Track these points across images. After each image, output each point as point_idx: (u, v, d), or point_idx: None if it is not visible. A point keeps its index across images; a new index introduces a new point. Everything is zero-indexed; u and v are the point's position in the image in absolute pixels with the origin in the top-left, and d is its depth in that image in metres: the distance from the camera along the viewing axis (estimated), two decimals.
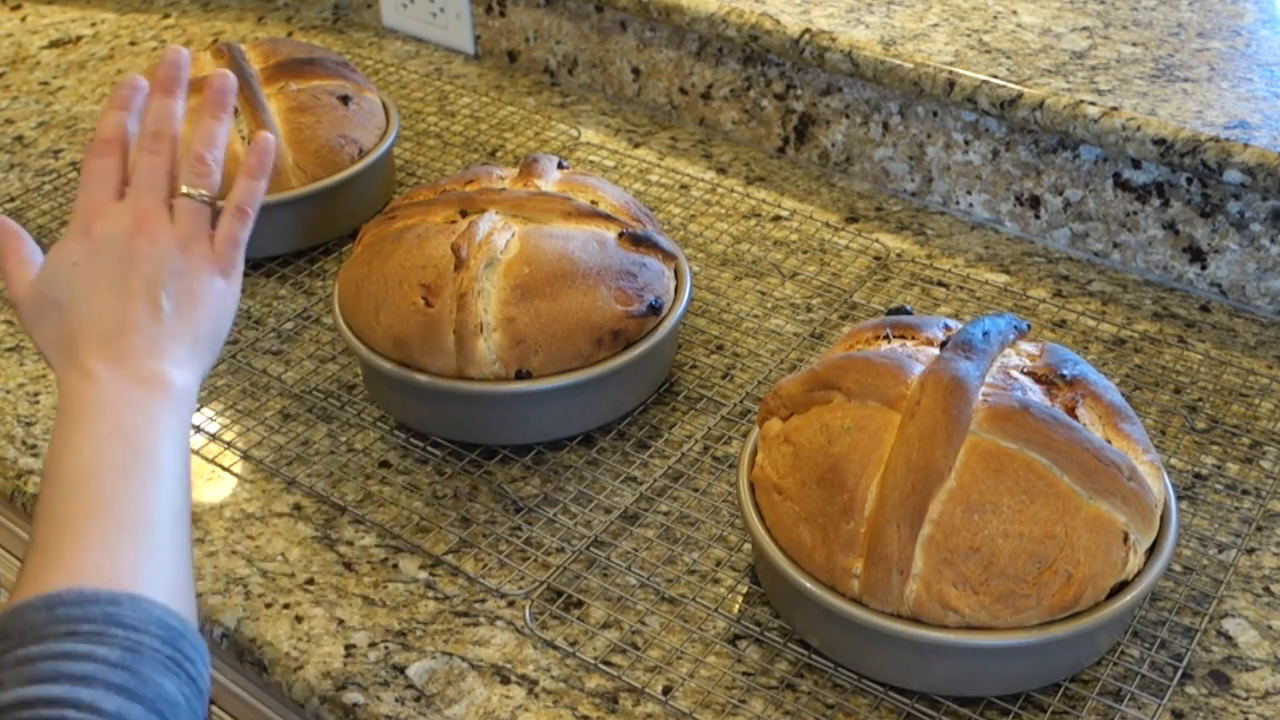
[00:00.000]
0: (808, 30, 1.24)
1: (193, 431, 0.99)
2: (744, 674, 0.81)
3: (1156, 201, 1.12)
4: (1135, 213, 1.14)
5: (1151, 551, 0.78)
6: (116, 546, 0.63)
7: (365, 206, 1.20)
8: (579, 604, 0.85)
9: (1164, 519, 0.79)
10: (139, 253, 0.72)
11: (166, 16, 1.66)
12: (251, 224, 0.77)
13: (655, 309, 0.96)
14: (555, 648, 0.83)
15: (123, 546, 0.63)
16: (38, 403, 1.03)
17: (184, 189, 0.75)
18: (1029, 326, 0.87)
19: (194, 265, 0.74)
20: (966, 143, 1.21)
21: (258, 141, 0.78)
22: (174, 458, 0.68)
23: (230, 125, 0.78)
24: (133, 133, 0.76)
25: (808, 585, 0.77)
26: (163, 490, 0.67)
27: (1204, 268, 1.12)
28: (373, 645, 0.83)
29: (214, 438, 0.99)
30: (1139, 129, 1.07)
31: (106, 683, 0.57)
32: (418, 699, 0.80)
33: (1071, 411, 0.79)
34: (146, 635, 0.60)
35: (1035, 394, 0.80)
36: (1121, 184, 1.13)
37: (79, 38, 1.61)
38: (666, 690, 0.80)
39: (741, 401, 1.01)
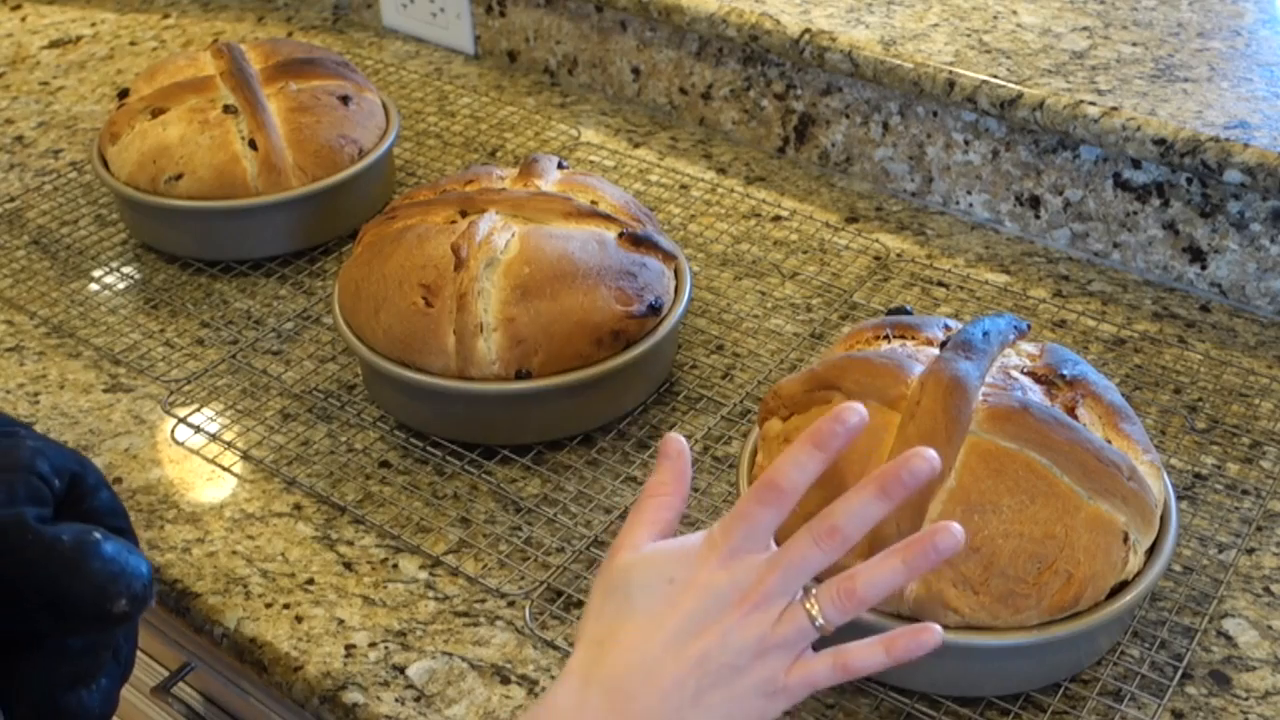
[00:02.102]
0: (808, 30, 1.24)
1: (192, 432, 0.99)
2: None
3: (1156, 201, 1.12)
4: (1135, 213, 1.14)
5: (1151, 551, 0.78)
6: None
7: (365, 206, 1.20)
8: (579, 604, 0.85)
9: (1164, 519, 0.79)
10: (722, 624, 0.63)
11: (166, 16, 1.66)
12: (840, 680, 0.65)
13: (655, 309, 0.96)
14: (555, 648, 0.83)
15: None
16: (38, 403, 1.03)
17: (813, 607, 0.64)
18: (1029, 326, 0.87)
19: (755, 676, 0.64)
20: (966, 143, 1.21)
21: (920, 631, 0.64)
22: None
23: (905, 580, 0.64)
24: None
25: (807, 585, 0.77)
26: None
27: (1204, 268, 1.12)
28: (373, 645, 0.83)
29: (214, 438, 0.99)
30: (1139, 129, 1.07)
31: None
32: (418, 699, 0.80)
33: (1071, 411, 0.79)
34: None
35: (1035, 394, 0.80)
36: (1121, 184, 1.13)
37: (79, 38, 1.61)
38: None
39: (741, 401, 1.01)
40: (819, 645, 0.65)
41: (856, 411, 0.63)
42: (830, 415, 0.63)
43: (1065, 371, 0.82)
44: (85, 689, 0.62)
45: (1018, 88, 1.13)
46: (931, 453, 0.62)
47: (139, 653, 1.06)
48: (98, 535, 0.59)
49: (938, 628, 0.64)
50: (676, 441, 0.70)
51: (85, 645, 0.61)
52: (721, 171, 1.32)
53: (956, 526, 0.62)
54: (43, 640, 0.60)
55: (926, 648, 0.64)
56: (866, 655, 0.64)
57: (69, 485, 0.62)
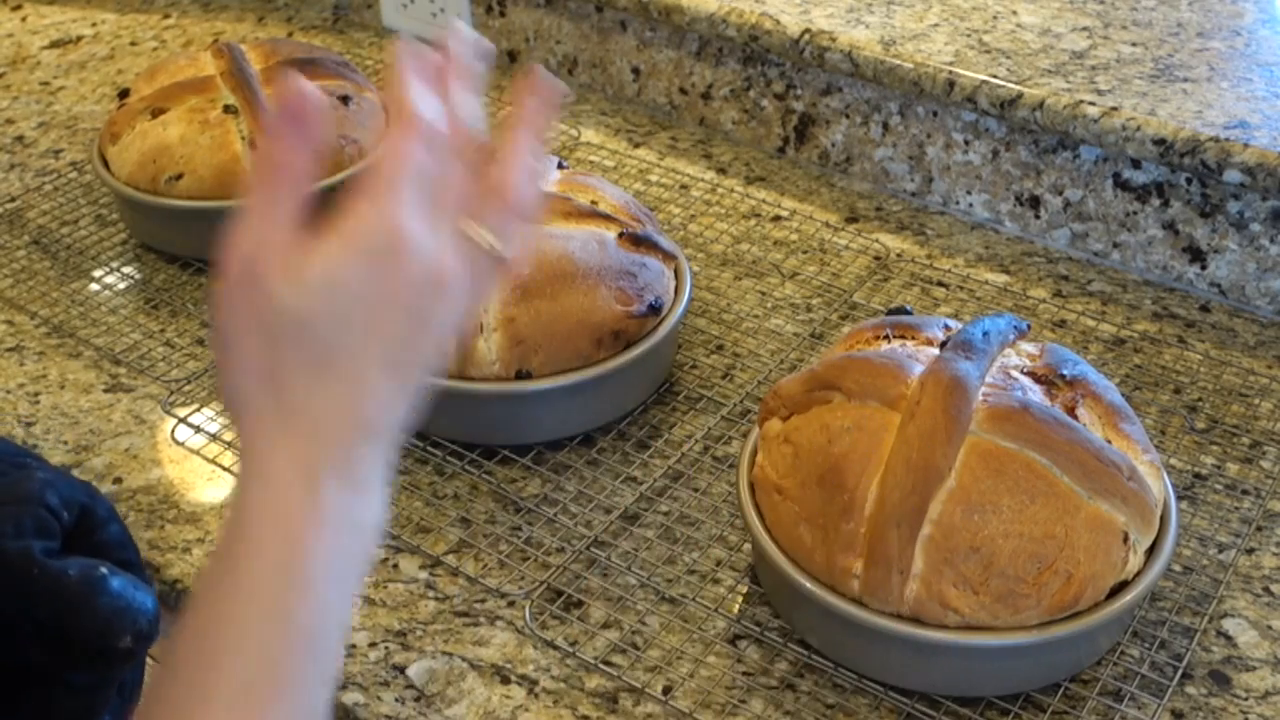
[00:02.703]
0: (808, 30, 1.24)
1: (193, 432, 0.99)
2: (744, 674, 0.81)
3: (1156, 201, 1.12)
4: (1135, 213, 1.14)
5: (1151, 551, 0.78)
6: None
7: None
8: (579, 604, 0.85)
9: (1164, 519, 0.79)
10: (429, 317, 0.55)
11: (167, 16, 1.66)
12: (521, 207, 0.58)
13: (655, 309, 0.96)
14: (555, 648, 0.83)
15: None
16: (38, 403, 1.03)
17: (477, 233, 0.56)
18: (1029, 326, 0.87)
19: (448, 319, 0.55)
20: (966, 143, 1.21)
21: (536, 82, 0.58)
22: (342, 592, 0.54)
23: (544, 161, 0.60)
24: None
25: (808, 585, 0.77)
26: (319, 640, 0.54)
27: (1204, 268, 1.12)
28: (373, 645, 0.83)
29: (214, 438, 0.99)
30: (1139, 129, 1.07)
31: None
32: (418, 699, 0.80)
33: (1071, 411, 0.79)
34: None
35: (1035, 394, 0.80)
36: (1121, 184, 1.13)
37: (79, 38, 1.61)
38: (666, 690, 0.80)
39: (741, 401, 1.01)
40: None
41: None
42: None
43: (1065, 371, 0.82)
44: None
45: (1018, 88, 1.13)
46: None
47: None
48: (104, 571, 0.59)
49: (558, 86, 0.58)
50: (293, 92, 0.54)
51: (89, 682, 0.61)
52: (721, 171, 1.32)
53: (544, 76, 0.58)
54: (46, 676, 0.59)
55: (552, 92, 0.58)
56: (515, 166, 0.57)
57: (78, 518, 0.62)
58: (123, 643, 0.59)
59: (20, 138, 1.39)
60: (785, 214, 1.24)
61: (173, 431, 1.00)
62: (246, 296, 0.54)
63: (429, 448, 0.97)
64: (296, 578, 0.51)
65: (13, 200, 1.28)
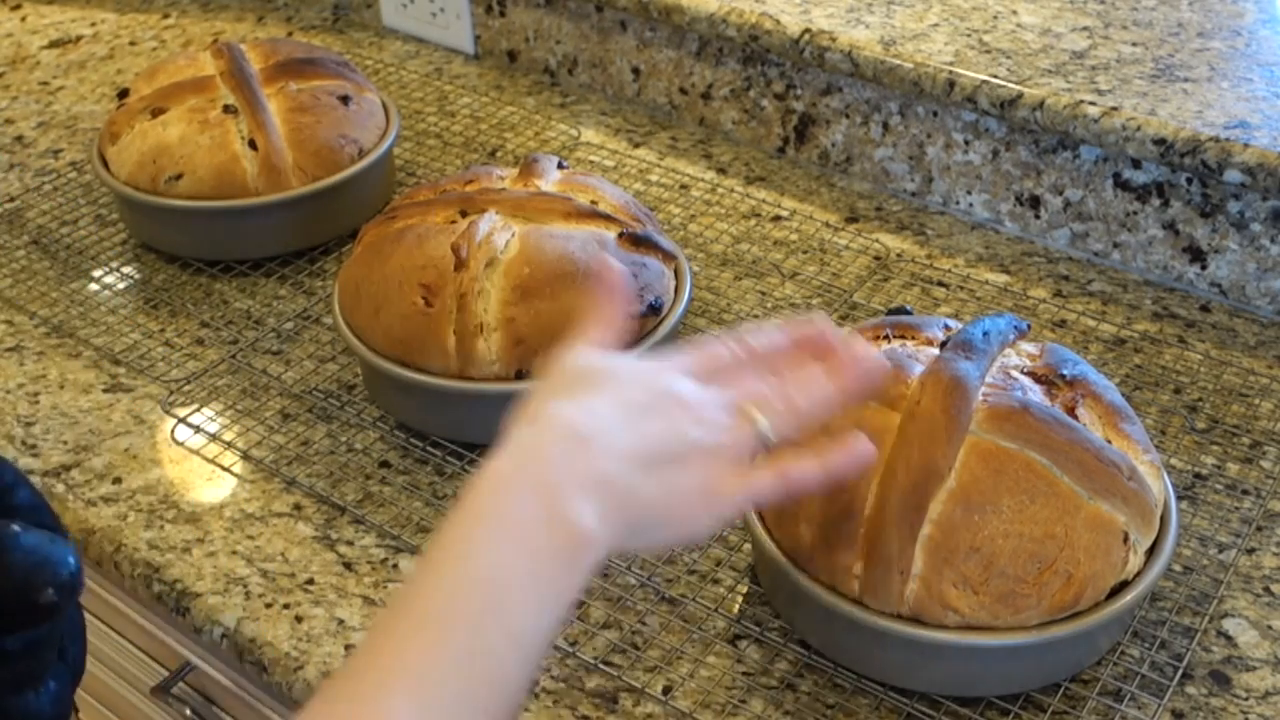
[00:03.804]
0: (808, 30, 1.24)
1: (192, 432, 0.99)
2: (744, 674, 0.81)
3: (1156, 201, 1.12)
4: (1135, 213, 1.14)
5: (1151, 551, 0.78)
6: None
7: (365, 206, 1.20)
8: (579, 604, 0.85)
9: (1164, 519, 0.79)
10: (673, 416, 0.63)
11: (166, 16, 1.66)
12: (780, 496, 0.66)
13: (655, 309, 0.96)
14: (555, 647, 0.83)
15: None
16: (37, 403, 1.03)
17: (755, 413, 0.65)
18: (1029, 326, 0.87)
19: (702, 473, 0.63)
20: (966, 143, 1.21)
21: (856, 446, 0.67)
22: (539, 624, 0.59)
23: (841, 403, 0.68)
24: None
25: (808, 585, 0.77)
26: (509, 659, 0.58)
27: (1204, 268, 1.12)
28: None
29: (214, 438, 0.99)
30: (1139, 129, 1.07)
31: None
32: None
33: (1071, 411, 0.79)
34: None
35: (1035, 394, 0.80)
36: (1121, 184, 1.13)
37: (79, 38, 1.61)
38: (666, 690, 0.80)
39: None
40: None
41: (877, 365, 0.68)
42: (818, 317, 0.69)
43: (1065, 371, 0.82)
44: (33, 691, 0.60)
45: (1018, 88, 1.13)
46: (864, 346, 0.69)
47: (139, 653, 1.06)
48: (16, 528, 0.58)
49: (869, 443, 0.67)
50: (613, 268, 0.70)
51: (24, 645, 0.60)
52: (721, 171, 1.32)
53: (866, 348, 0.68)
54: None
55: (859, 456, 0.66)
56: (804, 468, 0.65)
57: None
58: (44, 597, 0.57)
59: (20, 138, 1.39)
60: (785, 214, 1.24)
61: (172, 431, 1.00)
62: (545, 376, 0.66)
63: (429, 448, 0.97)
64: (473, 571, 0.58)
65: (12, 200, 1.28)
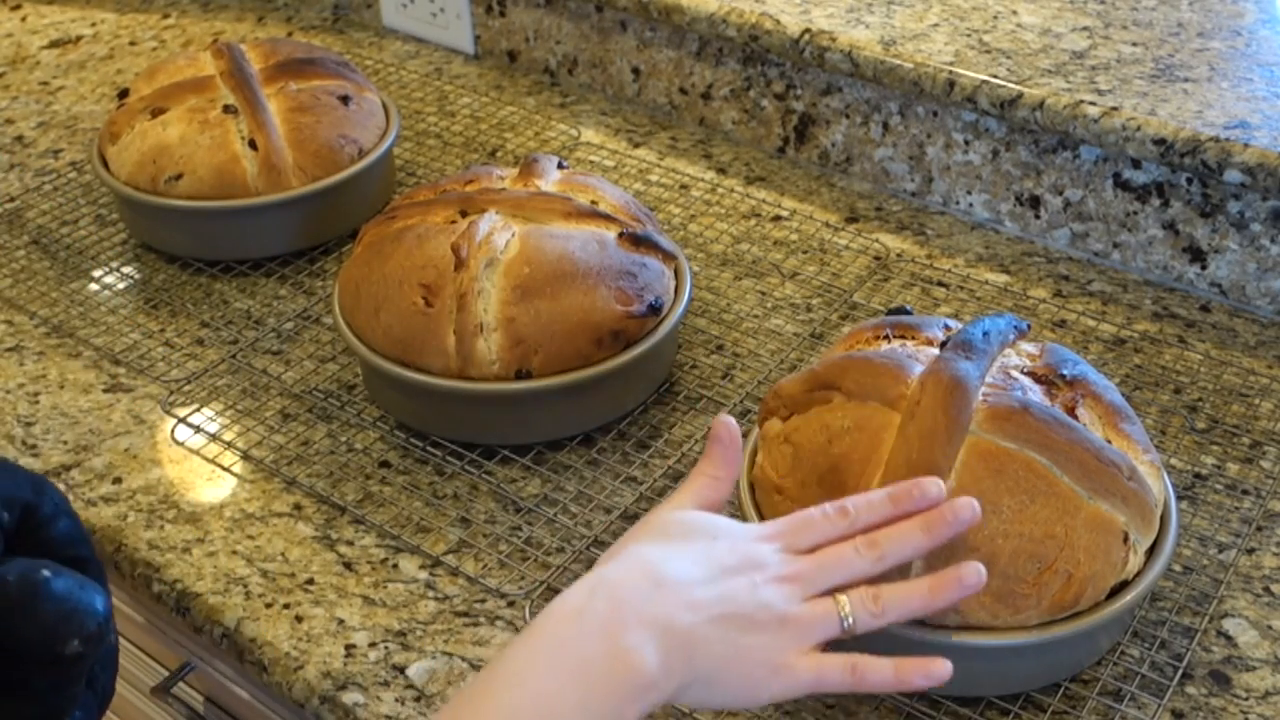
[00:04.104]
0: (808, 30, 1.24)
1: (192, 432, 0.99)
2: None
3: (1156, 201, 1.12)
4: (1135, 213, 1.14)
5: (1151, 551, 0.78)
6: None
7: (365, 206, 1.20)
8: None
9: (1164, 519, 0.79)
10: (757, 585, 0.64)
11: (166, 16, 1.66)
12: (846, 688, 0.65)
13: (655, 309, 0.96)
14: None
15: None
16: (37, 403, 1.03)
17: (844, 603, 0.65)
18: (1029, 326, 0.87)
19: (774, 648, 0.63)
20: (966, 143, 1.21)
21: (928, 665, 0.65)
22: None
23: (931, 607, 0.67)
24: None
25: None
26: None
27: (1204, 268, 1.12)
28: (373, 645, 0.83)
29: (214, 438, 0.99)
30: (1139, 129, 1.07)
31: None
32: (418, 699, 0.80)
33: (1071, 411, 0.79)
34: None
35: (1035, 394, 0.80)
36: (1121, 184, 1.13)
37: (79, 38, 1.61)
38: None
39: (741, 401, 1.01)
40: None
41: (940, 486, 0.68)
42: (929, 487, 0.68)
43: (1065, 371, 0.82)
44: None
45: (1018, 88, 1.13)
46: (975, 504, 0.67)
47: (139, 653, 1.06)
48: (46, 573, 0.57)
49: (948, 664, 0.65)
50: (728, 425, 0.71)
51: (51, 684, 0.59)
52: (721, 171, 1.32)
53: (978, 566, 0.66)
54: (1, 684, 0.58)
55: (933, 679, 0.65)
56: (877, 668, 0.65)
57: (21, 517, 0.60)
58: (69, 649, 0.57)
59: (20, 138, 1.39)
60: (785, 214, 1.24)
61: (172, 431, 1.00)
62: (643, 522, 0.68)
63: (429, 448, 0.97)
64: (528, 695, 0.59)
65: (12, 200, 1.28)
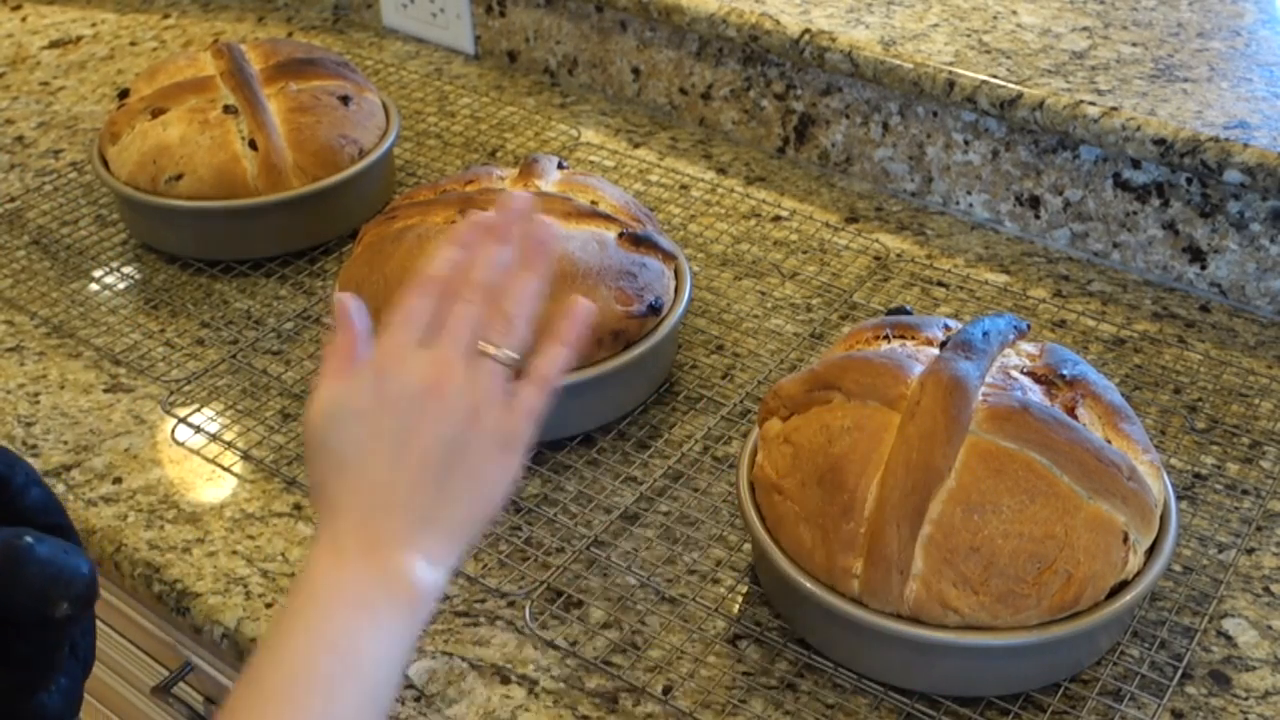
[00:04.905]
0: (808, 30, 1.24)
1: (192, 432, 0.99)
2: (744, 674, 0.81)
3: (1156, 201, 1.12)
4: (1135, 213, 1.14)
5: (1151, 551, 0.78)
6: None
7: (365, 206, 1.20)
8: (579, 604, 0.85)
9: (1164, 519, 0.79)
10: (427, 417, 0.64)
11: (166, 16, 1.66)
12: (550, 397, 0.69)
13: (655, 309, 0.96)
14: (555, 648, 0.83)
15: None
16: (38, 403, 1.03)
17: (488, 347, 0.67)
18: (1029, 326, 0.87)
19: (481, 440, 0.65)
20: (966, 143, 1.21)
21: (575, 309, 0.70)
22: (390, 674, 0.62)
23: (543, 285, 0.70)
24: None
25: (807, 585, 0.77)
26: (366, 711, 0.61)
27: (1204, 268, 1.12)
28: None
29: (214, 438, 0.99)
30: (1139, 129, 1.07)
31: None
32: (418, 699, 0.80)
33: (1071, 411, 0.79)
34: None
35: (1035, 394, 0.80)
36: (1121, 184, 1.13)
37: (79, 38, 1.61)
38: (666, 690, 0.80)
39: (741, 401, 1.01)
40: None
41: (519, 198, 0.71)
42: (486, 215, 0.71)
43: (1065, 371, 0.82)
44: (44, 692, 0.60)
45: (1018, 88, 1.13)
46: (528, 199, 0.72)
47: (139, 653, 1.06)
48: (29, 539, 0.58)
49: (584, 300, 0.70)
50: (342, 302, 0.70)
51: (35, 649, 0.60)
52: (721, 171, 1.32)
53: (584, 301, 0.70)
54: None
55: (583, 317, 0.70)
56: (549, 355, 0.69)
57: None
58: (59, 610, 0.58)
59: (20, 138, 1.39)
60: (785, 214, 1.24)
61: (172, 431, 1.00)
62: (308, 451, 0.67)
63: None
64: (320, 638, 0.61)
65: (13, 200, 1.28)
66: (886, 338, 0.86)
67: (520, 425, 0.67)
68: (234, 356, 1.07)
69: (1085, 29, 1.23)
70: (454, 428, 0.65)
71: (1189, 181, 1.10)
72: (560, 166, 1.05)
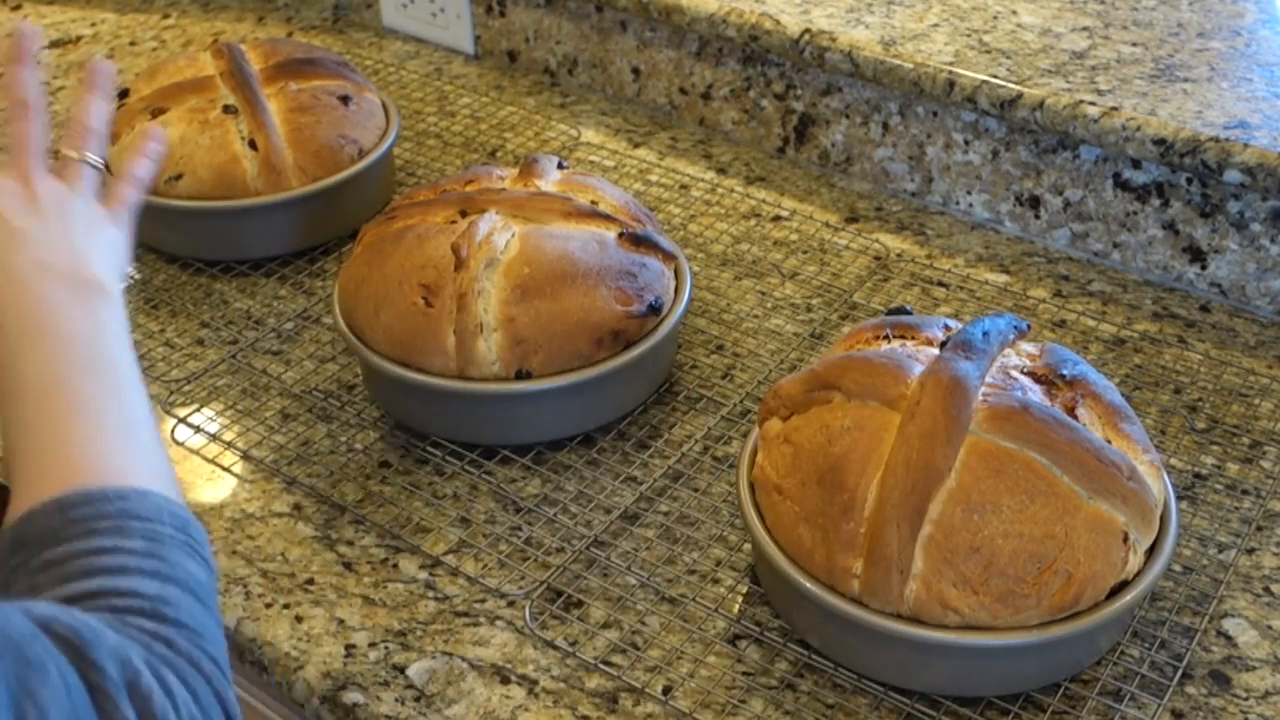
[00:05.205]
0: (808, 30, 1.24)
1: (193, 432, 0.99)
2: (744, 674, 0.81)
3: (1156, 201, 1.12)
4: (1135, 213, 1.14)
5: (1151, 551, 0.78)
6: (105, 446, 0.64)
7: (365, 206, 1.20)
8: (579, 604, 0.85)
9: (1164, 519, 0.79)
10: (36, 196, 0.74)
11: (166, 16, 1.66)
12: (141, 195, 0.81)
13: (655, 309, 0.96)
14: (555, 648, 0.83)
15: (111, 445, 0.64)
16: None
17: (66, 150, 0.78)
18: (1029, 326, 0.87)
19: (90, 206, 0.76)
20: (966, 143, 1.21)
21: (150, 129, 0.85)
22: (129, 359, 0.70)
23: (108, 102, 0.81)
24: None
25: (808, 585, 0.77)
26: (129, 390, 0.68)
27: (1204, 268, 1.12)
28: (373, 645, 0.83)
29: (214, 438, 0.99)
30: (1139, 129, 1.07)
31: (140, 570, 0.58)
32: (418, 699, 0.80)
33: (1071, 411, 0.79)
34: (161, 524, 0.61)
35: (1035, 394, 0.80)
36: (1121, 184, 1.13)
37: (79, 38, 1.61)
38: (666, 690, 0.80)
39: (741, 401, 1.01)
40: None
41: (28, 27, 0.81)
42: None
43: (1065, 371, 0.82)
44: None
45: (1018, 88, 1.13)
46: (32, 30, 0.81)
47: None
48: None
49: (159, 130, 0.88)
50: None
51: None
52: (721, 171, 1.32)
53: (159, 132, 0.85)
54: None
55: (159, 135, 0.84)
56: (132, 163, 0.82)
57: None
58: None
59: None
60: (785, 214, 1.24)
61: (173, 431, 1.00)
62: None
63: (429, 448, 0.97)
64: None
65: None
66: (886, 338, 0.86)
67: (119, 208, 0.79)
68: (234, 356, 1.07)
69: (1085, 29, 1.23)
70: (63, 197, 0.75)
71: (1189, 181, 1.10)
72: (560, 166, 1.05)
